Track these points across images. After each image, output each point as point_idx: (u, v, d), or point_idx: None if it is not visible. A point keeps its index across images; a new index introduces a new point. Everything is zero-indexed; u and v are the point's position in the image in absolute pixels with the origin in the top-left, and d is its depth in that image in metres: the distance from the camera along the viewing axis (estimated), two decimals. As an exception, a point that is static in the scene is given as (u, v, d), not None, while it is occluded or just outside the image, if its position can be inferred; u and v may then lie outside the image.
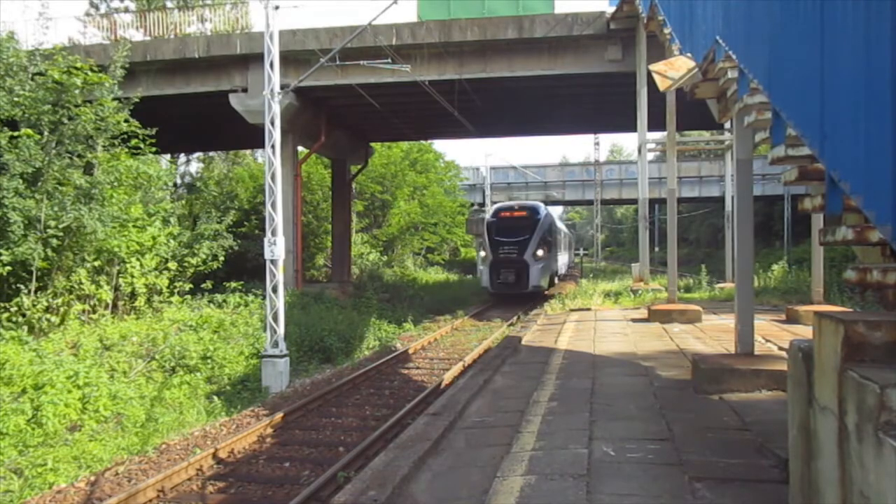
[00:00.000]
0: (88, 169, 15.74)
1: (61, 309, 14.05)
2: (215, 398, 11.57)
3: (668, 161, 15.73)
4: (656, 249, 47.13)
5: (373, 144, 31.26)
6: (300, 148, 23.36)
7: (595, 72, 19.72)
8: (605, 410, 6.47)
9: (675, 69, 8.28)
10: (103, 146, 16.02)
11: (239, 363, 13.42)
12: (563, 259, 34.49)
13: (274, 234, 12.77)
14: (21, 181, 13.67)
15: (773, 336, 10.39)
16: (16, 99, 14.48)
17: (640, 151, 18.38)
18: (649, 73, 9.95)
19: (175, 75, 20.86)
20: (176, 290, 17.02)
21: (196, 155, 38.10)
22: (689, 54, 7.96)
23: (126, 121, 16.16)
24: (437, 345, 17.14)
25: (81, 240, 14.27)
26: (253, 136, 20.29)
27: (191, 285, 17.83)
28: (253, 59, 19.28)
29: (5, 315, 12.98)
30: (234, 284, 18.11)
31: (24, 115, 14.59)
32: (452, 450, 5.51)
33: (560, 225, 35.95)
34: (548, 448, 5.34)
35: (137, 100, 16.88)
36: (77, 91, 15.11)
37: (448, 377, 12.36)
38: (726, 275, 22.50)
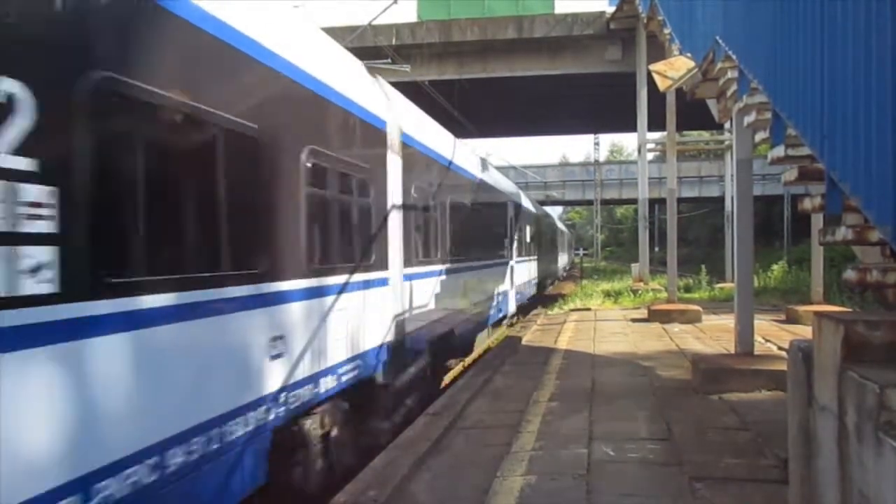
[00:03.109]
0: None
1: None
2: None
3: (668, 161, 15.74)
4: (656, 249, 47.04)
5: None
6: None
7: (595, 72, 19.74)
8: (605, 410, 6.47)
9: (675, 69, 8.28)
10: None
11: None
12: None
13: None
14: None
15: (773, 336, 10.39)
16: None
17: (640, 151, 18.39)
18: (649, 73, 9.96)
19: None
20: None
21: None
22: (689, 54, 7.96)
23: None
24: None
25: None
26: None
27: None
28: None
29: None
30: None
31: None
32: (452, 450, 5.51)
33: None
34: (548, 448, 5.34)
35: None
36: None
37: (448, 377, 12.32)
38: (726, 275, 22.49)
